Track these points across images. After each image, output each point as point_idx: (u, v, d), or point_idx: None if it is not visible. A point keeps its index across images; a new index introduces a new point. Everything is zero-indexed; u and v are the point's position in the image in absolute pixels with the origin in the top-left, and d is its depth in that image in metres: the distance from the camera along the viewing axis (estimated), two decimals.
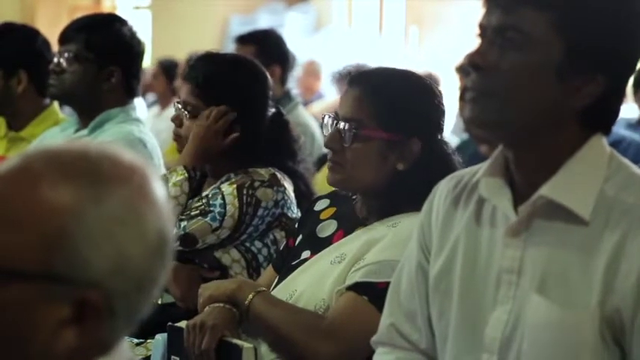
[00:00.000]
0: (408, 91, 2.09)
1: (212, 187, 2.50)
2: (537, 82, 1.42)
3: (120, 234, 1.03)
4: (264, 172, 2.47)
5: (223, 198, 2.43)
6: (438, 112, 2.11)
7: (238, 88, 2.51)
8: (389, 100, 2.06)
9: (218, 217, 2.42)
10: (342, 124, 2.07)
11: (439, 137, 2.11)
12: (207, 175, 2.59)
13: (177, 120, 2.54)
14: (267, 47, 4.29)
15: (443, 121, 2.13)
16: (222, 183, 2.48)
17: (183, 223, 2.42)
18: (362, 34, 10.25)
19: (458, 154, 2.18)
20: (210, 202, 2.43)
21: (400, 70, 2.19)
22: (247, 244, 2.48)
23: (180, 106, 2.53)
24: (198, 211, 2.43)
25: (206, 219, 2.42)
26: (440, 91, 2.16)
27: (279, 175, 2.48)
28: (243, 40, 4.42)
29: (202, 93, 2.50)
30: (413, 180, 2.04)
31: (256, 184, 2.44)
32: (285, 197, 2.47)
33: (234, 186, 2.43)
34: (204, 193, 2.49)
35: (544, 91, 1.43)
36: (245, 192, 2.43)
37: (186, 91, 2.53)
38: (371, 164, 2.06)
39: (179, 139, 2.55)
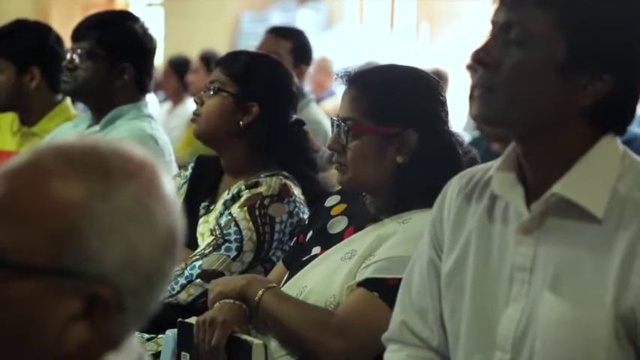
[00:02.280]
0: (399, 84, 2.10)
1: (223, 201, 2.49)
2: (539, 80, 1.43)
3: (130, 229, 1.04)
4: (274, 183, 2.46)
5: (237, 224, 2.42)
6: (434, 103, 2.11)
7: (269, 82, 2.52)
8: (381, 94, 2.07)
9: (235, 244, 2.41)
10: (341, 125, 2.08)
11: (440, 128, 2.10)
12: (223, 172, 2.59)
13: (199, 100, 2.55)
14: (302, 45, 4.32)
15: (442, 112, 2.12)
16: (233, 201, 2.47)
17: (198, 263, 2.41)
18: (373, 31, 10.24)
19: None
20: (224, 231, 2.42)
21: (395, 65, 2.20)
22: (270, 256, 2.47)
23: (206, 86, 2.54)
24: (211, 247, 2.42)
25: (220, 252, 2.41)
26: (438, 83, 2.16)
27: (288, 183, 2.47)
28: (281, 33, 4.38)
29: (233, 73, 2.50)
30: (416, 173, 2.04)
31: (266, 201, 2.42)
32: (297, 204, 2.46)
33: (245, 209, 2.42)
34: (212, 216, 2.49)
35: (546, 89, 1.43)
36: (257, 212, 2.42)
37: (216, 72, 2.54)
38: (370, 160, 2.06)
39: (197, 117, 2.55)
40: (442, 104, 2.12)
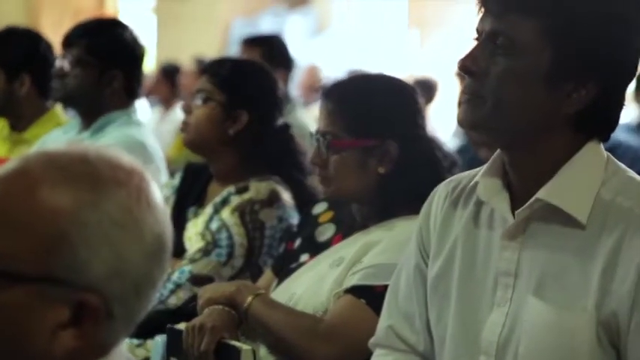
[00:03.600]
0: (374, 95, 2.11)
1: (212, 205, 2.50)
2: (525, 88, 1.44)
3: (118, 237, 1.04)
4: (263, 189, 2.47)
5: (228, 230, 2.43)
6: (411, 111, 2.12)
7: (256, 88, 2.53)
8: (356, 107, 2.08)
9: (226, 249, 2.41)
10: (320, 139, 2.09)
11: (419, 135, 2.11)
12: (211, 178, 2.60)
13: (187, 108, 2.56)
14: (272, 51, 4.37)
15: (420, 119, 2.13)
16: (223, 206, 2.48)
17: (187, 267, 2.42)
18: (363, 36, 10.26)
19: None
20: (216, 236, 2.43)
21: (369, 75, 2.21)
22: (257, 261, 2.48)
23: (194, 94, 2.55)
24: (201, 252, 2.43)
25: (210, 257, 2.42)
26: (413, 90, 2.17)
27: (277, 188, 2.48)
28: (250, 42, 4.52)
29: (219, 81, 2.51)
30: (398, 181, 2.05)
31: (256, 206, 2.44)
32: (286, 209, 2.47)
33: (236, 214, 2.43)
34: (201, 220, 2.50)
35: (532, 97, 1.44)
36: (248, 218, 2.43)
37: (203, 81, 2.54)
38: (352, 173, 2.08)
39: (186, 127, 2.56)
40: (419, 111, 2.13)
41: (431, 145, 2.12)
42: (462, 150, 4.03)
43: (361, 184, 2.08)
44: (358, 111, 2.07)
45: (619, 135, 4.02)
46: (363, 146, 2.07)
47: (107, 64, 2.89)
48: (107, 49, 2.89)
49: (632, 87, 1.48)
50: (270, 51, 4.35)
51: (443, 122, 6.86)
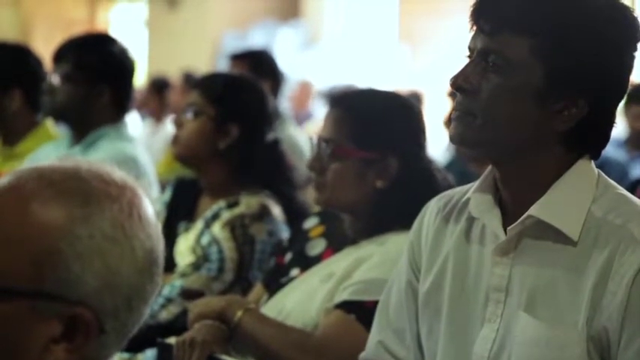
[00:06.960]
0: (383, 110, 2.12)
1: (203, 219, 2.51)
2: (517, 105, 1.45)
3: (109, 252, 1.04)
4: (253, 203, 2.47)
5: (218, 244, 2.43)
6: (416, 131, 2.13)
7: (247, 103, 2.54)
8: (364, 119, 2.09)
9: (217, 264, 2.42)
10: (322, 145, 2.10)
11: (419, 155, 2.13)
12: (202, 192, 2.61)
13: (177, 122, 2.56)
14: (259, 64, 4.41)
15: (423, 139, 2.15)
16: (214, 220, 2.48)
17: (178, 282, 2.42)
18: (354, 50, 10.29)
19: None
20: (207, 251, 2.43)
21: (379, 90, 2.22)
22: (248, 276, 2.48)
23: (185, 108, 2.55)
24: (191, 267, 2.43)
25: (201, 272, 2.42)
26: (419, 110, 2.18)
27: (268, 202, 2.48)
28: (237, 57, 4.58)
29: (211, 96, 2.52)
30: (394, 198, 2.06)
31: (247, 221, 2.44)
32: (277, 224, 2.47)
33: (227, 229, 2.44)
34: (192, 234, 2.50)
35: (524, 114, 1.45)
36: (238, 232, 2.44)
37: (194, 95, 2.55)
38: (350, 183, 2.08)
39: (177, 140, 2.56)
40: (423, 132, 2.15)
41: (430, 165, 2.13)
42: (449, 166, 4.05)
43: (356, 196, 2.09)
44: (365, 122, 2.08)
45: (607, 151, 4.04)
46: (364, 158, 2.07)
47: (96, 79, 2.90)
48: (95, 65, 2.90)
49: (621, 104, 1.49)
50: (257, 64, 4.39)
51: (433, 136, 6.88)
